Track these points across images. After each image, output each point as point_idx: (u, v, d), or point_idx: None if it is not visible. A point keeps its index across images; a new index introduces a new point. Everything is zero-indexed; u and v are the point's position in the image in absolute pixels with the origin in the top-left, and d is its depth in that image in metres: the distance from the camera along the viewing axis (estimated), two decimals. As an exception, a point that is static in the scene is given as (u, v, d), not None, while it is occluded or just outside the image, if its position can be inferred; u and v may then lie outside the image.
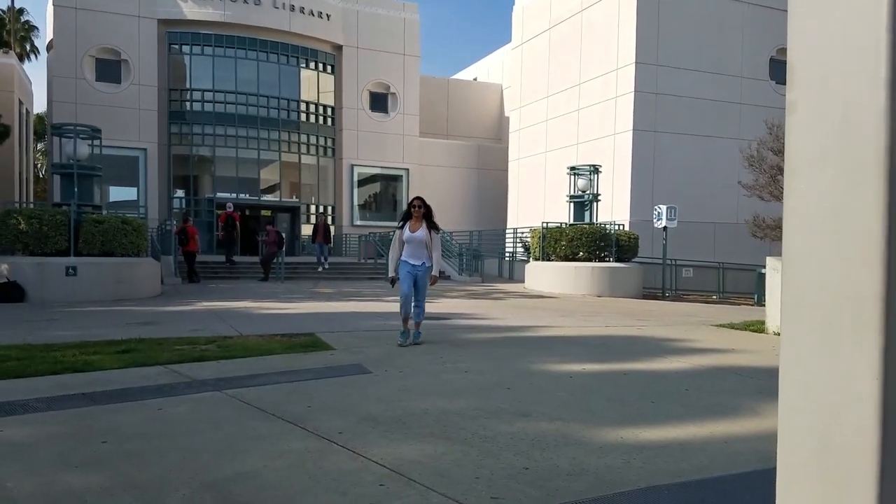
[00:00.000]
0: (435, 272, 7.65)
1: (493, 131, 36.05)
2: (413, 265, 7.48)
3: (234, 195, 28.87)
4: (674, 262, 18.96)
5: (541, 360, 6.71)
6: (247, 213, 29.50)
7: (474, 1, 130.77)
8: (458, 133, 35.40)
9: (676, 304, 15.36)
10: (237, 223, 21.96)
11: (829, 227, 0.98)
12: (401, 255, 7.57)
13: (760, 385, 5.79)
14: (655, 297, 17.17)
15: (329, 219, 30.32)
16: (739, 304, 16.39)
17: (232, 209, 22.73)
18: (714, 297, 18.57)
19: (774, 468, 1.11)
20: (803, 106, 1.03)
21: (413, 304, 7.51)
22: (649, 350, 7.60)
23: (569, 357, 6.98)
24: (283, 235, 21.67)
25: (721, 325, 10.33)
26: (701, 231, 21.56)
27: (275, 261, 19.62)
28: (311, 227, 24.75)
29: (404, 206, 8.35)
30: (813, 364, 1.05)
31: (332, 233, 24.97)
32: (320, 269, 21.52)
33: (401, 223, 7.72)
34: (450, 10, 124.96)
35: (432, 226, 7.58)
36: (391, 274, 7.70)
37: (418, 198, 7.76)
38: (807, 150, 1.01)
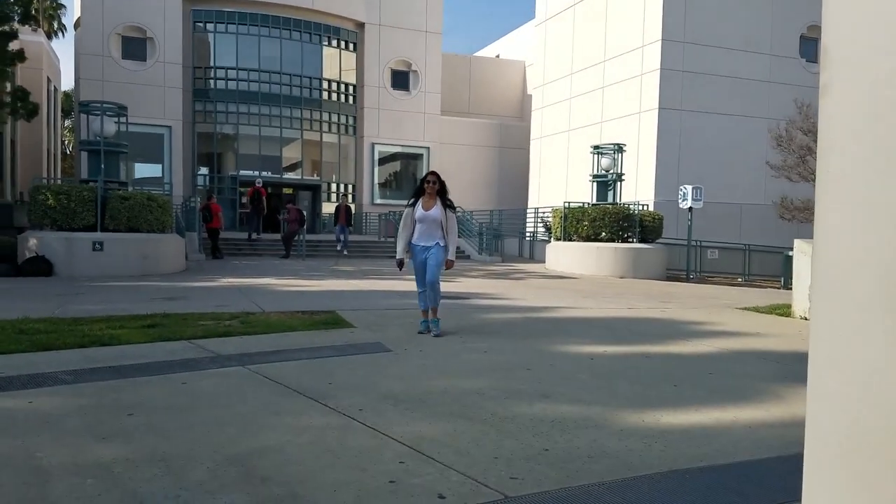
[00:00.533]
0: (450, 256, 6.83)
1: (516, 109, 35.72)
2: (426, 247, 6.77)
3: (256, 173, 29.04)
4: (699, 244, 18.73)
5: (561, 342, 6.69)
6: (269, 190, 29.64)
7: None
8: (480, 111, 35.13)
9: (701, 287, 15.20)
10: (263, 198, 22.08)
11: (863, 205, 0.96)
12: (412, 235, 6.84)
13: (786, 370, 5.72)
14: (679, 279, 17.00)
15: (350, 197, 30.41)
16: (765, 287, 16.18)
17: (261, 184, 22.89)
18: (739, 279, 18.34)
19: (799, 454, 1.09)
20: (837, 86, 1.00)
21: (427, 280, 6.76)
22: (673, 333, 7.54)
23: (590, 339, 6.95)
24: (305, 213, 21.72)
25: (746, 309, 10.21)
26: (727, 212, 21.25)
27: (296, 238, 19.74)
28: (333, 205, 24.75)
29: (425, 186, 8.23)
30: (844, 346, 1.02)
31: (353, 212, 24.99)
32: (341, 249, 21.27)
33: (412, 200, 6.92)
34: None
35: (447, 204, 6.85)
36: (399, 256, 6.99)
37: (432, 172, 7.04)
38: (840, 130, 0.99)
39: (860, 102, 0.97)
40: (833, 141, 1.02)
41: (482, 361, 5.63)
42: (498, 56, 38.49)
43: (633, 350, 6.36)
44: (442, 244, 6.78)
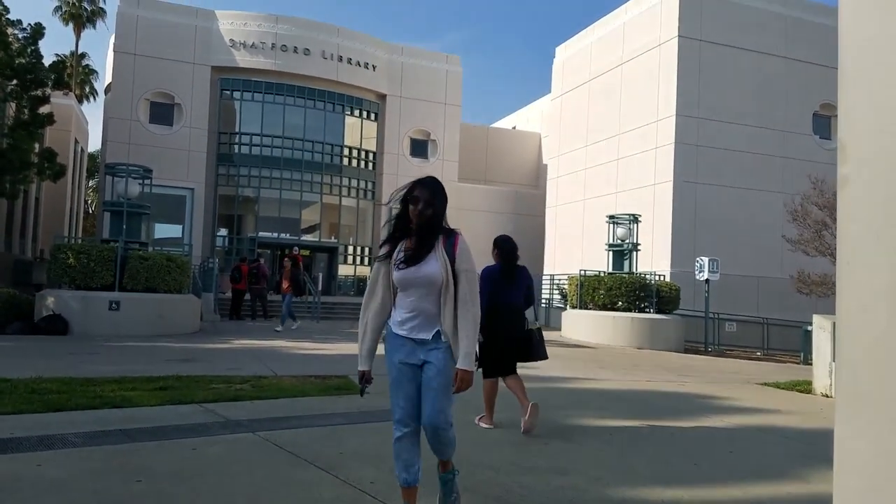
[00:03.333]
0: (466, 364, 3.11)
1: (531, 178, 36.19)
2: (416, 343, 3.20)
3: (275, 235, 29.39)
4: (716, 316, 18.51)
5: (579, 415, 6.55)
6: (286, 252, 29.99)
7: (516, 54, 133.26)
8: (496, 179, 35.63)
9: (719, 360, 14.92)
10: (300, 263, 22.04)
11: (886, 300, 0.95)
12: (385, 318, 3.31)
13: (807, 449, 5.54)
14: (697, 352, 16.72)
15: (367, 259, 30.57)
16: (785, 362, 15.85)
17: (297, 251, 22.99)
18: (758, 353, 18.00)
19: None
20: (855, 180, 1.02)
21: (424, 421, 3.19)
22: (692, 408, 7.36)
23: (608, 412, 6.80)
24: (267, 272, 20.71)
25: (766, 384, 9.98)
26: (744, 285, 21.07)
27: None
28: (350, 268, 23.33)
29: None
30: (871, 434, 0.99)
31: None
32: (279, 328, 15.82)
33: (384, 246, 3.32)
34: (492, 61, 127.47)
35: (452, 251, 3.21)
36: (361, 367, 3.28)
37: (422, 183, 3.26)
38: (859, 224, 1.00)
39: (877, 202, 0.98)
40: (851, 234, 1.02)
41: (497, 434, 5.51)
42: (514, 127, 39.32)
43: (651, 425, 6.20)
44: (446, 341, 3.16)
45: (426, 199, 3.14)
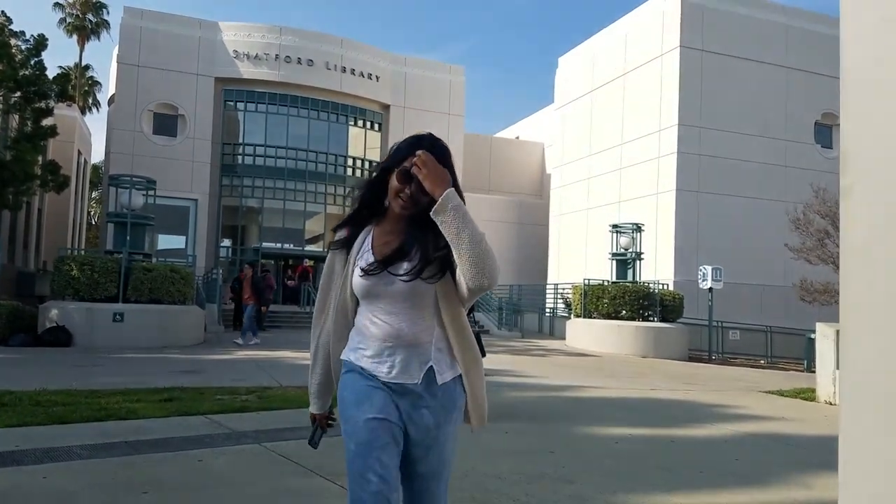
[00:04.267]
0: (477, 419, 2.07)
1: (535, 187, 36.25)
2: (388, 386, 1.93)
3: (279, 245, 29.44)
4: (720, 325, 18.47)
5: (585, 423, 6.54)
6: (290, 262, 30.04)
7: (519, 65, 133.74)
8: (500, 188, 35.70)
9: (723, 368, 14.89)
10: (310, 276, 21.97)
11: (888, 309, 0.96)
12: (342, 342, 2.06)
13: (812, 456, 5.52)
14: (701, 360, 16.69)
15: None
16: (789, 370, 15.80)
17: (309, 264, 22.97)
18: (762, 361, 17.95)
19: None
20: (858, 191, 1.03)
21: None
22: (697, 416, 7.34)
23: (614, 420, 6.78)
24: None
25: (770, 392, 9.95)
26: (747, 293, 21.03)
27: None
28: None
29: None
30: (876, 442, 1.00)
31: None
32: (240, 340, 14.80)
33: (342, 229, 2.07)
34: (495, 71, 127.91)
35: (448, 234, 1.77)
36: (316, 407, 2.29)
37: (419, 138, 2.04)
38: (861, 233, 1.01)
39: (879, 211, 1.00)
40: (853, 243, 1.04)
41: (503, 443, 5.50)
42: (517, 137, 39.43)
43: (657, 433, 6.19)
44: (451, 376, 1.97)
45: (425, 164, 1.82)
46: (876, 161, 1.01)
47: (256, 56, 28.52)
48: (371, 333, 1.94)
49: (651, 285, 17.34)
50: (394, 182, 1.94)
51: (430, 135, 2.06)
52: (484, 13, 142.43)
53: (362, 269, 1.92)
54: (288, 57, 28.66)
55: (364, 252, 1.98)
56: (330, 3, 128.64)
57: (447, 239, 1.76)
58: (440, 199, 1.76)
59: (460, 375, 1.99)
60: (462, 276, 1.79)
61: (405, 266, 1.89)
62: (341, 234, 2.06)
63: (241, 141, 29.83)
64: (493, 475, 4.42)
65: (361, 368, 1.96)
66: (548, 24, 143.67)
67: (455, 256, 1.77)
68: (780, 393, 9.85)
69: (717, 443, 5.98)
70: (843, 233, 1.08)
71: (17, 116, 19.32)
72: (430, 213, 1.76)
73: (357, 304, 2.00)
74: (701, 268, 17.69)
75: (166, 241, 28.77)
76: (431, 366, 1.92)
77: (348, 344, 2.02)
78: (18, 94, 17.52)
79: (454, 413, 1.99)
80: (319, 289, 2.13)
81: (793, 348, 18.16)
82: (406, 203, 1.90)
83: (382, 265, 1.91)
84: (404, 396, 1.92)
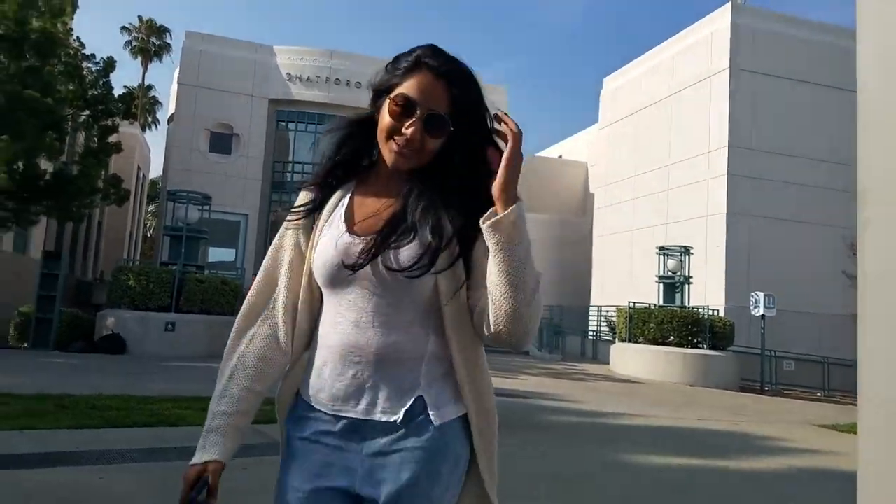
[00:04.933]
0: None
1: (577, 207, 36.00)
2: (347, 424, 1.27)
3: (324, 262, 29.93)
4: (773, 354, 17.89)
5: (628, 451, 6.42)
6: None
7: (562, 84, 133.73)
8: (542, 207, 35.53)
9: (776, 400, 14.42)
10: None
11: None
12: (282, 355, 1.41)
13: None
14: (753, 391, 16.17)
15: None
16: (846, 404, 15.18)
17: None
18: (818, 394, 17.30)
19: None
20: (875, 225, 1.04)
21: None
22: (747, 448, 7.13)
23: (658, 449, 6.65)
24: None
25: (824, 426, 9.60)
26: (802, 322, 20.35)
27: None
28: None
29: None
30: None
31: None
32: None
33: (307, 191, 1.41)
34: (538, 91, 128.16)
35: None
36: (198, 456, 1.31)
37: (426, 56, 1.25)
38: (879, 266, 1.00)
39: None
40: (872, 276, 1.04)
41: (541, 467, 5.45)
42: (560, 156, 39.32)
43: (704, 464, 6.04)
44: (454, 414, 1.28)
45: (437, 106, 1.24)
46: (892, 197, 1.03)
47: (308, 78, 29.31)
48: (331, 343, 1.28)
49: (700, 311, 16.94)
50: (385, 116, 1.24)
51: (457, 62, 1.29)
52: (527, 33, 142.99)
53: (345, 265, 1.23)
54: (338, 80, 29.36)
55: (334, 225, 1.30)
56: (380, 28, 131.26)
57: (492, 265, 1.18)
58: (506, 209, 1.17)
59: (466, 416, 1.29)
60: (486, 316, 1.20)
61: (406, 252, 1.21)
62: (306, 197, 1.39)
63: (290, 159, 30.58)
64: (529, 497, 4.38)
65: (315, 406, 1.32)
66: (592, 46, 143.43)
67: (489, 287, 1.19)
68: (836, 427, 9.49)
69: (768, 477, 5.79)
70: (861, 265, 1.09)
71: (83, 133, 20.24)
72: (483, 222, 1.17)
73: (322, 300, 1.33)
74: (753, 294, 17.22)
75: (217, 254, 29.53)
76: (420, 395, 1.24)
77: (314, 372, 1.33)
78: (87, 112, 18.37)
79: (447, 467, 1.26)
80: (258, 277, 1.43)
81: (851, 381, 17.42)
82: (404, 148, 1.23)
83: (371, 252, 1.22)
84: (369, 440, 1.24)
